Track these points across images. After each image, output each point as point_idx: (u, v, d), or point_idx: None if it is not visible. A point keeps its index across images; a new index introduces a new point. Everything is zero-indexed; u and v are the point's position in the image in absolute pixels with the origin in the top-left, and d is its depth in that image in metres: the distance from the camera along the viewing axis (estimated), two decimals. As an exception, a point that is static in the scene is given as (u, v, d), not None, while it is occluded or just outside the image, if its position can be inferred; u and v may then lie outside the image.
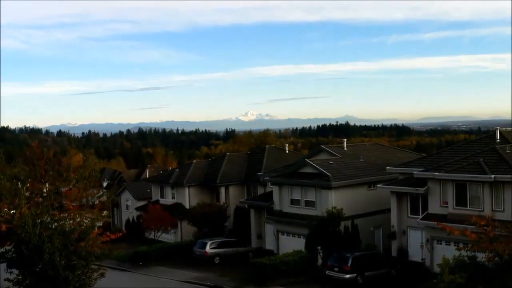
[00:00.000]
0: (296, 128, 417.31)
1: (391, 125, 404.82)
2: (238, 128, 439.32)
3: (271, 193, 52.75)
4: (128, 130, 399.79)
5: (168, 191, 66.24)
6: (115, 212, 79.29)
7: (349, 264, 40.17)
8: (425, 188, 41.08)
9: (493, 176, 37.09)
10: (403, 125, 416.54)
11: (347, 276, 40.01)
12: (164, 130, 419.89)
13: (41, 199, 35.46)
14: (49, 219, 29.42)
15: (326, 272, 41.34)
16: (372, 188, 48.06)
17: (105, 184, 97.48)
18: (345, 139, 59.26)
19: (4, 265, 29.27)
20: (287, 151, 70.72)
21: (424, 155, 55.01)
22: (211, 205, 59.19)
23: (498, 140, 43.78)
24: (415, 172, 42.20)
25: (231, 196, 62.84)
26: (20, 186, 32.52)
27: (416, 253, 42.78)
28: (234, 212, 59.02)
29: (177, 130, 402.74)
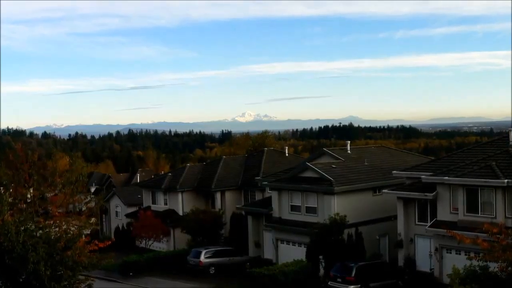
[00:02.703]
0: (297, 130, 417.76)
1: (397, 127, 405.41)
2: (235, 129, 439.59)
3: (269, 199, 52.78)
4: (118, 132, 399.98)
5: (160, 197, 66.24)
6: (104, 219, 79.29)
7: (353, 275, 40.21)
8: (434, 193, 41.14)
9: (506, 180, 37.16)
10: (410, 126, 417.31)
11: (351, 287, 40.04)
12: (155, 131, 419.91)
13: (25, 205, 35.57)
14: (33, 226, 29.36)
15: (329, 283, 41.37)
16: (377, 193, 48.13)
17: (93, 189, 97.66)
18: (349, 142, 59.26)
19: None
20: (286, 154, 70.78)
21: (432, 158, 55.13)
22: (206, 211, 59.21)
23: (512, 143, 43.87)
24: (423, 176, 42.27)
25: (227, 202, 62.87)
26: (2, 191, 32.49)
27: (424, 262, 42.84)
28: (231, 219, 59.05)
29: (170, 131, 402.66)
